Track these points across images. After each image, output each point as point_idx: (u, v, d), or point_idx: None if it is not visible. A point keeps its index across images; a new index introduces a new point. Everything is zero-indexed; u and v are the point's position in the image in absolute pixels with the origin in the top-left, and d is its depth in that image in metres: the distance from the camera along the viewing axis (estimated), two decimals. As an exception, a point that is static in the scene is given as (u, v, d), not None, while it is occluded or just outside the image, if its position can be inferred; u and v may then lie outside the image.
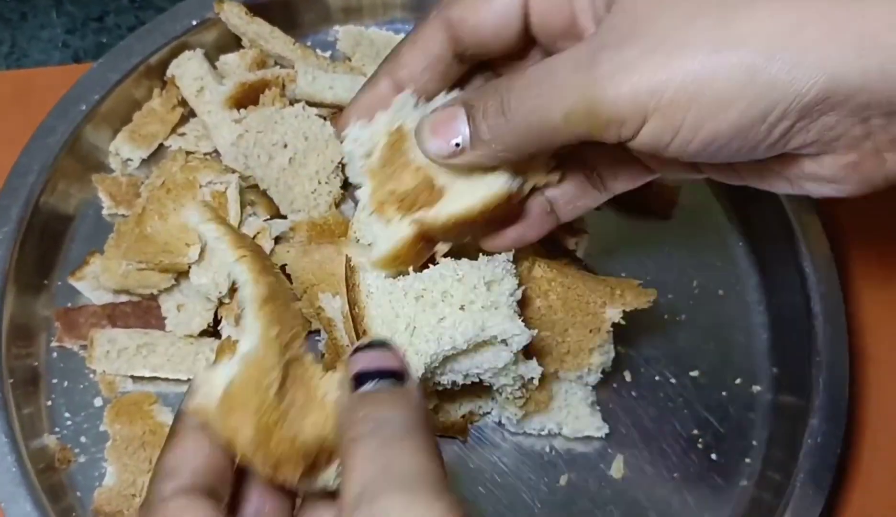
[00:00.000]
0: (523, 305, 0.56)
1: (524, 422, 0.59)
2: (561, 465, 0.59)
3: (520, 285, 0.53)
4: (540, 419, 0.59)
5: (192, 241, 0.57)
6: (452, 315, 0.52)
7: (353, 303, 0.53)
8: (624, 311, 0.57)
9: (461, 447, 0.59)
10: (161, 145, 0.66)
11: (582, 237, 0.62)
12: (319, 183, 0.61)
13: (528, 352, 0.54)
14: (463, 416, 0.59)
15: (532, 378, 0.54)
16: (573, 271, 0.58)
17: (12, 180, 0.61)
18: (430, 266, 0.53)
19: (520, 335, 0.52)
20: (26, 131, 0.62)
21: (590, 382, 0.59)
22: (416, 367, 0.51)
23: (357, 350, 0.40)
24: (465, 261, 0.53)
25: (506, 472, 0.59)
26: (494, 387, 0.56)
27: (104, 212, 0.64)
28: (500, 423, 0.60)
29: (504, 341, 0.52)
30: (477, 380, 0.54)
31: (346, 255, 0.54)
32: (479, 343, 0.52)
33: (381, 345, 0.40)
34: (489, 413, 0.60)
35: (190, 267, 0.57)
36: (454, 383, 0.54)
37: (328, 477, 0.41)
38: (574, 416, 0.59)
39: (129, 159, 0.65)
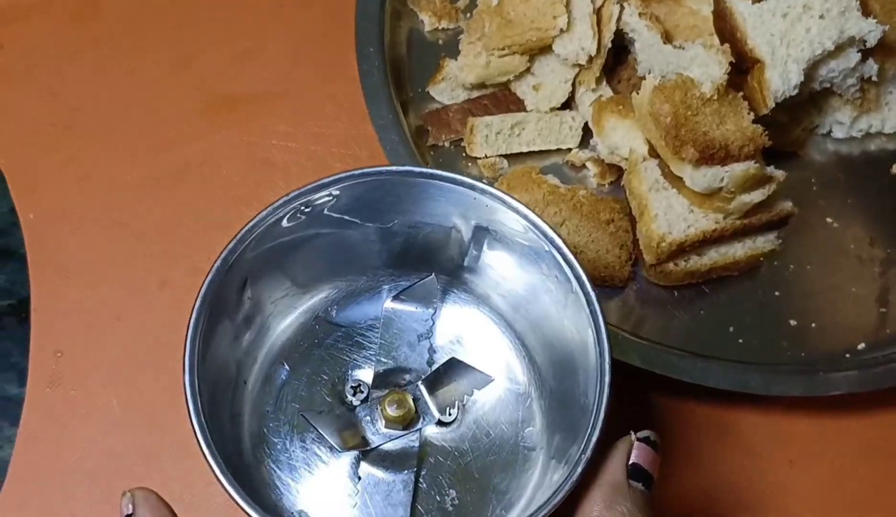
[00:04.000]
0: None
1: (854, 124, 0.67)
2: (885, 159, 0.68)
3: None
4: (867, 119, 0.68)
5: (558, 13, 0.64)
6: (816, 24, 0.60)
7: (730, 31, 0.62)
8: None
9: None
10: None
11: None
12: None
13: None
14: (802, 129, 0.68)
15: (871, 76, 0.64)
16: None
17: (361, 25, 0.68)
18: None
19: (874, 30, 0.60)
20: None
21: (902, 83, 0.68)
22: (797, 74, 0.60)
23: (640, 440, 0.45)
24: None
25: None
26: (839, 93, 0.65)
27: (426, 30, 0.71)
28: (827, 134, 0.69)
29: (862, 40, 0.61)
30: (829, 85, 0.63)
31: None
32: (840, 45, 0.61)
33: (654, 446, 0.45)
34: (817, 127, 0.69)
35: (553, 40, 0.65)
36: (812, 92, 0.63)
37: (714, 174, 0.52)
38: (894, 113, 0.68)
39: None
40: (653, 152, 0.62)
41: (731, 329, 0.62)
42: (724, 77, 0.60)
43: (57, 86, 0.69)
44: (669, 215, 0.61)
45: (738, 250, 0.63)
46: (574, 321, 0.48)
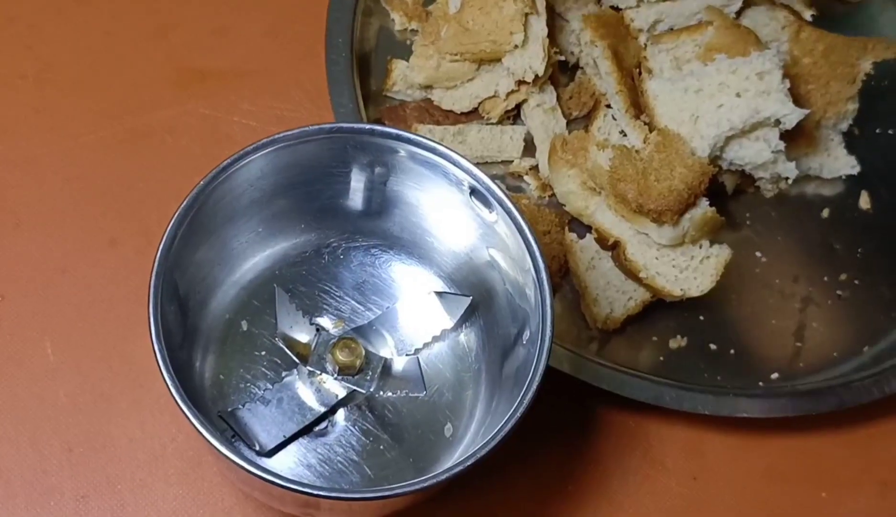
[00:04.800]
0: (792, 63, 0.68)
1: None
2: (818, 203, 0.71)
3: (789, 49, 0.66)
4: (807, 161, 0.70)
5: (515, 30, 0.67)
6: (729, 101, 0.63)
7: (643, 106, 0.65)
8: (874, 62, 0.69)
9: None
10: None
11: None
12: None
13: (798, 100, 0.65)
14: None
15: (788, 178, 0.67)
16: (831, 33, 0.70)
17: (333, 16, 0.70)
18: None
19: (791, 114, 0.63)
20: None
21: (842, 129, 0.71)
22: (703, 149, 0.63)
23: None
24: (738, 58, 0.64)
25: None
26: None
27: (396, 28, 0.74)
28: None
29: (778, 121, 0.63)
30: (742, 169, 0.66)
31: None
32: (754, 123, 0.63)
33: None
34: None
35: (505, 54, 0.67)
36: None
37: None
38: (833, 158, 0.71)
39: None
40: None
41: (654, 347, 0.65)
42: (654, 137, 0.63)
43: (32, 40, 0.71)
44: (608, 292, 0.64)
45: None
46: (497, 243, 0.51)
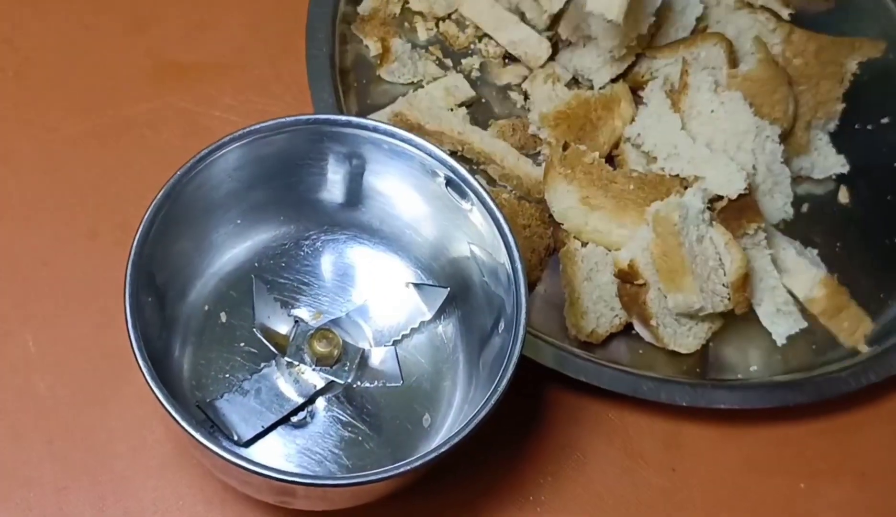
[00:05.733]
0: (784, 64, 0.69)
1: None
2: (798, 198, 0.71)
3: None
4: (798, 161, 0.70)
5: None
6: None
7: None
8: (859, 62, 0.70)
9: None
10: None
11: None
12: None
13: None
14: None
15: None
16: (820, 34, 0.71)
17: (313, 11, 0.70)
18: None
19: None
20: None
21: (830, 129, 0.71)
22: None
23: None
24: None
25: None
26: None
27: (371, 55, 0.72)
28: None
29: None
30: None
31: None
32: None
33: None
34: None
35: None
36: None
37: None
38: (823, 157, 0.71)
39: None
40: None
41: (632, 340, 0.65)
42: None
43: (12, 34, 0.71)
44: (598, 306, 0.64)
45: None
46: (473, 233, 0.52)
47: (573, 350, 0.62)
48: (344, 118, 0.52)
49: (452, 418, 0.53)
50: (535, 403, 0.62)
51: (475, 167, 0.67)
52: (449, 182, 0.52)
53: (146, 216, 0.49)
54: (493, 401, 0.46)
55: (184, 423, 0.44)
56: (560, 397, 0.63)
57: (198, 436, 0.44)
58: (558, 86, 0.70)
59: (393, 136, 0.52)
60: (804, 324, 0.65)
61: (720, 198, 0.63)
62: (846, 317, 0.65)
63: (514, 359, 0.46)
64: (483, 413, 0.45)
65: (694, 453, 0.63)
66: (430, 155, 0.51)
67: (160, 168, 0.65)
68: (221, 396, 0.53)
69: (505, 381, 0.46)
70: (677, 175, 0.64)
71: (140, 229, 0.49)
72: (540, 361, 0.60)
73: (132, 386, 0.60)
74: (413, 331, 0.55)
